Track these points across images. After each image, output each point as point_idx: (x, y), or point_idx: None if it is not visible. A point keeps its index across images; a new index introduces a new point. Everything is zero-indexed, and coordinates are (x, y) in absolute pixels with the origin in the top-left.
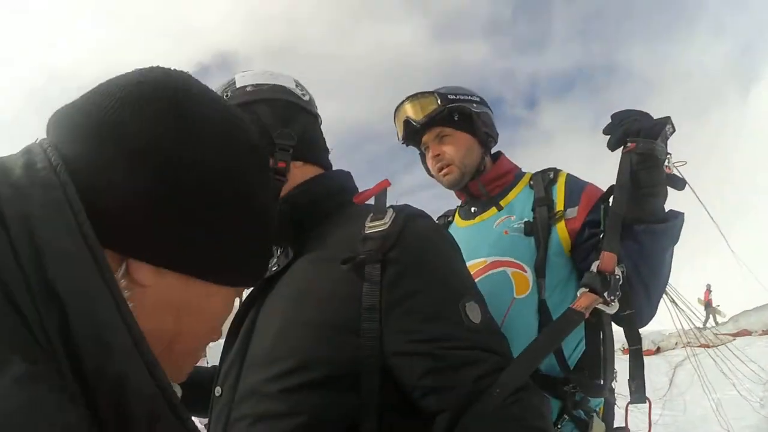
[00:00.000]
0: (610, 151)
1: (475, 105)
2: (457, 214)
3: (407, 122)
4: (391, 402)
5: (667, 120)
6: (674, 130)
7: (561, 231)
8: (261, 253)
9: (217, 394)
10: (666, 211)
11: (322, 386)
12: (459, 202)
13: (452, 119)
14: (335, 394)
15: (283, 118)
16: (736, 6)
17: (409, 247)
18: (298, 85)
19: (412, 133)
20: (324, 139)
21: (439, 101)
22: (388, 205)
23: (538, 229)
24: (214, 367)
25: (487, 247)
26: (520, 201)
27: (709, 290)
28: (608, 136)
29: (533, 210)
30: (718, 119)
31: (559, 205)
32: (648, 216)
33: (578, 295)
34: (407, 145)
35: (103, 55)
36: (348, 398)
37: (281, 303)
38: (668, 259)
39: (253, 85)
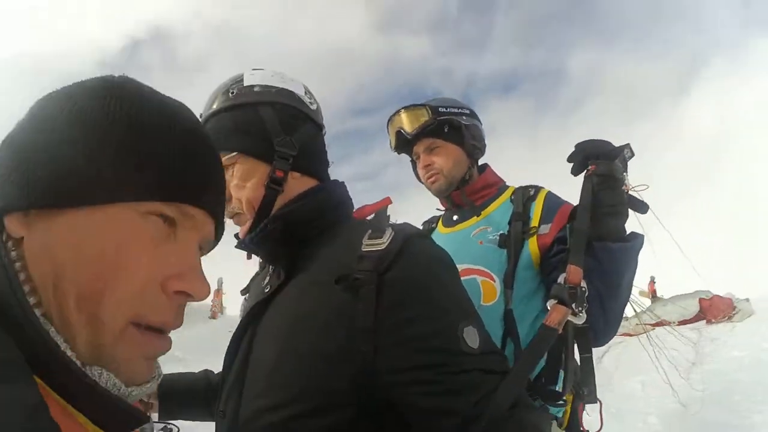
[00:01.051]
0: (573, 176)
1: (464, 118)
2: (440, 221)
3: (399, 133)
4: (389, 426)
5: (625, 145)
6: (633, 155)
7: (532, 246)
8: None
9: (221, 416)
10: (627, 232)
11: (318, 415)
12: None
13: (442, 131)
14: (332, 421)
15: (287, 125)
16: (674, 21)
17: (406, 269)
18: (307, 92)
19: (404, 143)
20: (326, 151)
21: (430, 114)
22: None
23: (511, 242)
24: (205, 371)
25: (463, 255)
26: (498, 214)
27: (653, 281)
28: (571, 164)
29: (509, 224)
30: (651, 126)
31: (535, 221)
32: (608, 235)
33: (548, 307)
34: (399, 153)
35: (30, 28)
36: (345, 425)
37: (274, 330)
38: (627, 280)
39: (261, 86)
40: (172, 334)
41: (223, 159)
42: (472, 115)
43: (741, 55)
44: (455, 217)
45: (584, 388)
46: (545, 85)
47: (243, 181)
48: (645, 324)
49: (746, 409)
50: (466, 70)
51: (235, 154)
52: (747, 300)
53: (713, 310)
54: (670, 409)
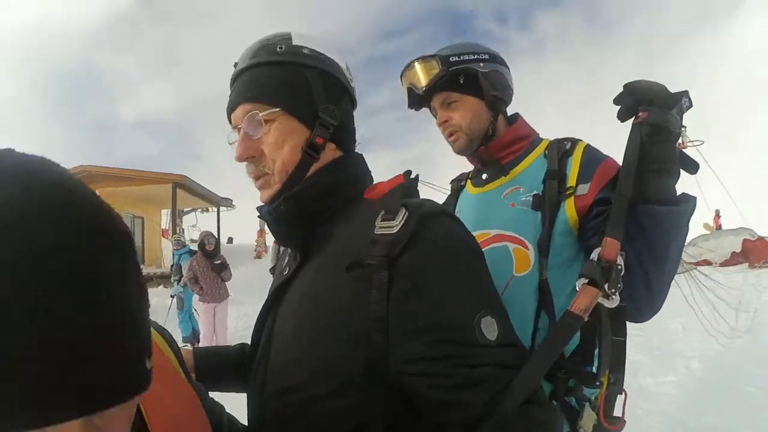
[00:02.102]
0: (620, 122)
1: (482, 64)
2: (469, 180)
3: (410, 90)
4: (398, 413)
5: (684, 93)
6: (691, 105)
7: (569, 208)
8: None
9: (251, 392)
10: (677, 193)
11: (332, 398)
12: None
13: (458, 82)
14: (346, 405)
15: (331, 94)
16: None
17: (420, 255)
18: (348, 68)
19: (417, 99)
20: (356, 130)
21: (440, 64)
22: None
23: (546, 204)
24: (242, 345)
25: (494, 218)
26: (531, 171)
27: (718, 215)
28: (618, 107)
29: (543, 183)
30: (701, 44)
31: (572, 180)
32: (656, 196)
33: (577, 288)
34: (417, 110)
35: None
36: (354, 410)
37: (292, 312)
38: (675, 249)
39: (309, 49)
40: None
41: (263, 113)
42: (493, 59)
43: None
44: (485, 176)
45: (612, 376)
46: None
47: (281, 140)
48: (687, 262)
49: None
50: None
51: (278, 110)
52: None
53: (757, 252)
54: (713, 352)
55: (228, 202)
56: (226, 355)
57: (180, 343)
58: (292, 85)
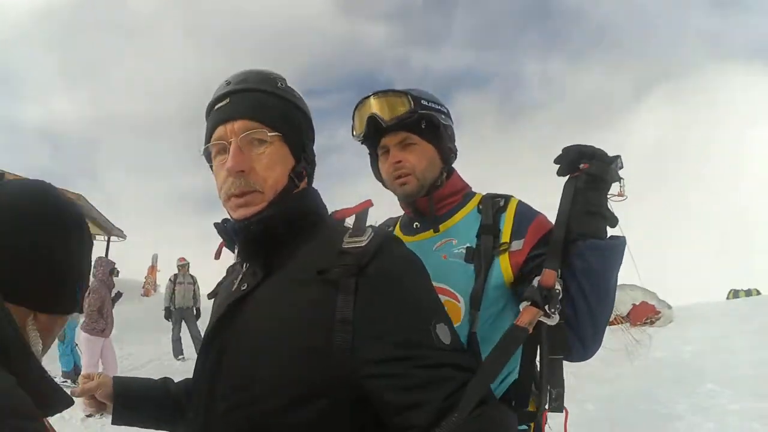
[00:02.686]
0: (560, 176)
1: (443, 116)
2: (398, 226)
3: (373, 119)
4: (364, 417)
5: (617, 156)
6: (622, 166)
7: (504, 263)
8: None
9: (196, 409)
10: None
11: (295, 408)
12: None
13: (419, 126)
14: (309, 414)
15: (310, 134)
16: (630, 38)
17: (385, 265)
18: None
19: (374, 131)
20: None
21: (412, 104)
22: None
23: (481, 257)
24: (164, 380)
25: None
26: (464, 225)
27: None
28: (557, 165)
29: (478, 237)
30: (602, 135)
31: (505, 236)
32: (592, 233)
33: (520, 309)
34: (362, 143)
35: None
36: (319, 421)
37: (251, 327)
38: (613, 283)
39: (297, 94)
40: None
41: (265, 132)
42: (449, 115)
43: (690, 79)
44: (416, 225)
45: (554, 391)
46: (500, 87)
47: (274, 163)
48: None
49: (669, 400)
50: (423, 62)
51: (278, 135)
52: (669, 307)
53: (638, 314)
54: (605, 396)
55: (119, 232)
56: (149, 387)
57: (59, 379)
58: (291, 118)
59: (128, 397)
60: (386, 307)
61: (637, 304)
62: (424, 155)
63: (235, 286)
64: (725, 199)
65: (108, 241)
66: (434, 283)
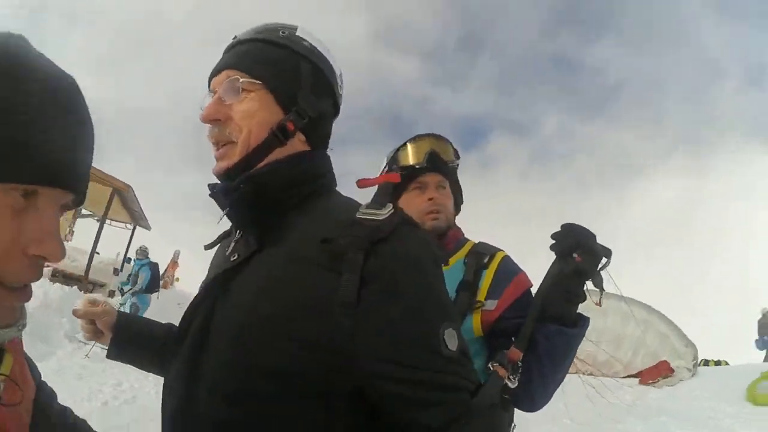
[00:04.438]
0: (554, 253)
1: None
2: None
3: (434, 155)
4: (358, 420)
5: (610, 252)
6: (609, 264)
7: (475, 320)
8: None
9: (167, 391)
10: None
11: (279, 406)
12: None
13: (454, 175)
14: (295, 406)
15: (317, 89)
16: (651, 101)
17: (401, 249)
18: (341, 76)
19: (429, 166)
20: (330, 135)
21: (455, 155)
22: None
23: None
24: (170, 324)
25: None
26: (449, 275)
27: None
28: (553, 239)
29: (457, 292)
30: (611, 195)
31: (482, 294)
32: (562, 318)
33: (491, 367)
34: (405, 172)
35: None
36: (311, 415)
37: (238, 307)
38: (569, 362)
39: (310, 44)
40: None
41: (243, 79)
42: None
43: (712, 149)
44: None
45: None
46: (514, 136)
47: (253, 112)
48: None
49: None
50: (444, 103)
51: (259, 82)
52: (693, 348)
53: (651, 373)
54: None
55: (146, 224)
56: (151, 330)
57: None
58: (281, 66)
59: (128, 332)
60: (397, 297)
61: (660, 358)
62: (449, 199)
63: (228, 252)
64: (730, 272)
65: (133, 231)
66: None
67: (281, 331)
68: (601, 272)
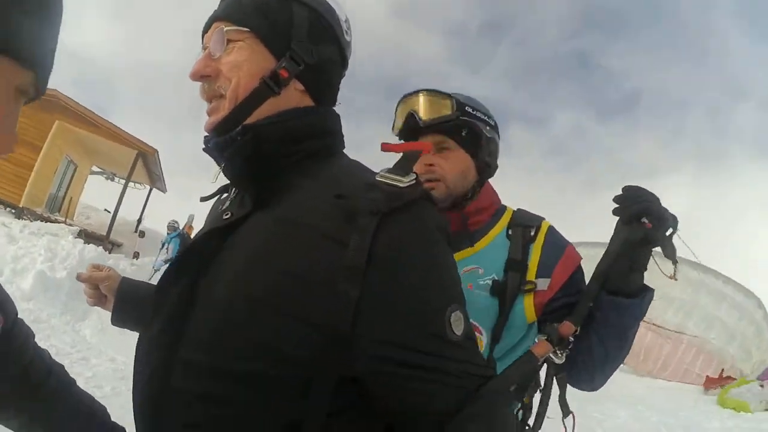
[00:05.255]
0: (615, 215)
1: (488, 128)
2: None
3: (411, 116)
4: (342, 405)
5: (677, 219)
6: (676, 231)
7: (527, 302)
8: None
9: (139, 368)
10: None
11: (264, 382)
12: None
13: (459, 132)
14: (278, 394)
15: (315, 34)
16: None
17: (419, 224)
18: (347, 21)
19: (412, 130)
20: (339, 88)
21: (454, 107)
22: None
23: (506, 294)
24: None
25: None
26: (492, 251)
27: None
28: (617, 203)
29: (505, 271)
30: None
31: (531, 273)
32: (631, 291)
33: (536, 340)
34: (400, 138)
35: None
36: (291, 400)
37: (228, 274)
38: (632, 335)
39: None
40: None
41: (230, 29)
42: (496, 128)
43: (718, 166)
44: None
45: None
46: (527, 129)
47: (241, 61)
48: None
49: None
50: (459, 83)
51: (246, 29)
52: None
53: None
54: None
55: (162, 186)
56: (142, 287)
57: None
58: (272, 11)
59: (132, 297)
60: (404, 277)
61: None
62: (458, 163)
63: (222, 208)
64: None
65: (149, 193)
66: None
67: (271, 305)
68: (672, 240)
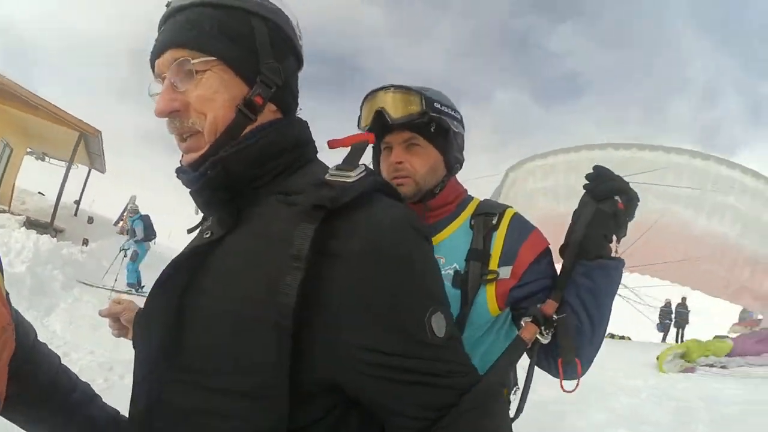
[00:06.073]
0: (585, 190)
1: (455, 123)
2: None
3: (380, 114)
4: (329, 413)
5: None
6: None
7: (489, 293)
8: None
9: (137, 378)
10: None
11: (246, 395)
12: None
13: (428, 129)
14: (261, 405)
15: (278, 49)
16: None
17: (376, 217)
18: (297, 26)
19: (380, 127)
20: (298, 92)
21: (423, 105)
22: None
23: (468, 286)
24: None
25: None
26: (454, 241)
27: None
28: (589, 180)
29: (467, 261)
30: None
31: (494, 262)
32: (607, 254)
33: (523, 324)
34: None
35: None
36: (272, 411)
37: (208, 290)
38: (612, 300)
39: (256, 2)
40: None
41: (195, 61)
42: (461, 122)
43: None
44: None
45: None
46: (466, 105)
47: (213, 93)
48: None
49: None
50: (400, 56)
51: (213, 59)
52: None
53: None
54: None
55: (101, 166)
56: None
57: (124, 289)
58: (235, 32)
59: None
60: (385, 274)
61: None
62: (427, 159)
63: (204, 228)
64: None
65: (88, 174)
66: None
67: (246, 318)
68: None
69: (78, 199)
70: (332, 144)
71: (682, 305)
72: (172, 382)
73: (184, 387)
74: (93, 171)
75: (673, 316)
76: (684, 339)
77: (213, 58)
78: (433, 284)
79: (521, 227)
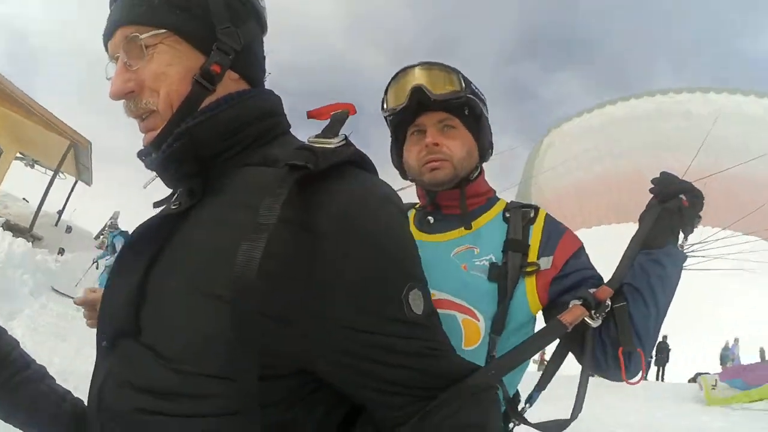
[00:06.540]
0: (652, 194)
1: (485, 108)
2: (412, 216)
3: (419, 91)
4: (300, 394)
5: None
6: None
7: (530, 285)
8: None
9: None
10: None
11: (203, 399)
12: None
13: (463, 111)
14: (225, 384)
15: (234, 13)
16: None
17: (353, 190)
18: None
19: (414, 106)
20: (265, 58)
21: (462, 85)
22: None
23: (507, 278)
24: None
25: (441, 279)
26: (488, 232)
27: None
28: (655, 184)
29: (504, 252)
30: None
31: (533, 254)
32: (675, 242)
33: (569, 306)
34: (390, 117)
35: None
36: (242, 390)
37: (177, 264)
38: (674, 290)
39: None
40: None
41: (144, 36)
42: (487, 111)
43: None
44: (431, 220)
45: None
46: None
47: (166, 67)
48: None
49: None
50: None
51: (163, 31)
52: None
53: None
54: None
55: (88, 178)
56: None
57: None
58: (185, 0)
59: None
60: (361, 249)
61: None
62: (464, 143)
63: (173, 199)
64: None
65: (74, 185)
66: (454, 298)
67: (207, 294)
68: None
69: (61, 209)
70: (311, 114)
71: (663, 343)
72: (130, 360)
73: (144, 365)
74: (79, 183)
75: (653, 353)
76: (664, 378)
77: (163, 30)
78: (411, 261)
79: (556, 224)
